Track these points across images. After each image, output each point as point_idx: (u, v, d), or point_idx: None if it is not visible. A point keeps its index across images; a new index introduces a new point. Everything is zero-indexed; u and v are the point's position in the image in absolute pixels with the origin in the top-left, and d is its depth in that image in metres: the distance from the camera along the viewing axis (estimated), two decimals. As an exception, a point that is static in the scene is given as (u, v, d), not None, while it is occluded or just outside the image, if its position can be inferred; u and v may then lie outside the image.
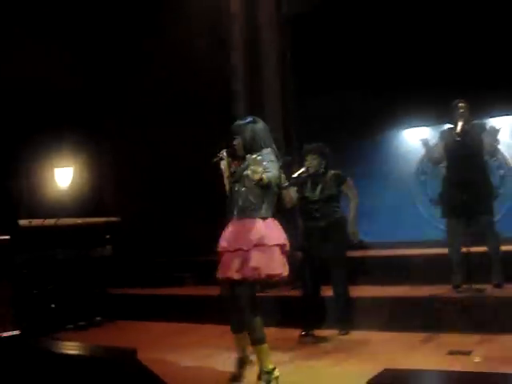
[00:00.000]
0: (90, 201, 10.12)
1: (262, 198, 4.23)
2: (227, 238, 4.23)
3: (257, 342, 4.15)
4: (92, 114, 10.32)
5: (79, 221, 7.63)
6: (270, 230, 4.19)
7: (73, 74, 9.78)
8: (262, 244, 4.11)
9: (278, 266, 4.18)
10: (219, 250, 4.27)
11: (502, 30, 7.47)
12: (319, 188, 5.79)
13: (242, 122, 4.43)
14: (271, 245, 4.15)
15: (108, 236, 7.79)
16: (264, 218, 4.21)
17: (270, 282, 4.53)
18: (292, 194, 5.66)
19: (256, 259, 4.08)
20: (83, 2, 9.71)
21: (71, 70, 9.75)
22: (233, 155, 4.43)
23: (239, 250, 4.13)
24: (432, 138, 6.63)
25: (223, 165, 4.41)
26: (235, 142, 4.38)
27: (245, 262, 4.10)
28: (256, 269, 4.08)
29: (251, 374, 4.28)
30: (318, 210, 5.77)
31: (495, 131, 6.01)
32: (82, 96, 10.05)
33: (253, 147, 4.30)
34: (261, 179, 4.01)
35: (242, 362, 4.40)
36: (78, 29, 9.80)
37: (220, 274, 4.27)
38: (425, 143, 6.18)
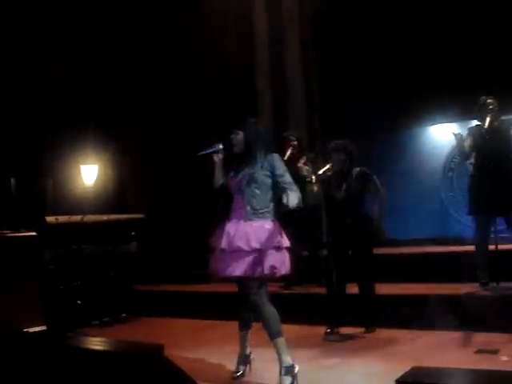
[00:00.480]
0: (114, 197, 10.20)
1: (271, 201, 4.35)
2: (241, 237, 4.24)
3: (275, 335, 4.20)
4: (116, 112, 10.38)
5: (105, 217, 7.67)
6: (280, 233, 4.33)
7: (98, 73, 9.85)
8: (278, 246, 4.25)
9: (288, 267, 4.34)
10: (233, 249, 4.24)
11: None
12: (344, 186, 5.73)
13: (247, 120, 4.54)
14: (284, 247, 4.30)
15: (133, 233, 7.83)
16: (273, 221, 4.34)
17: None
18: (315, 189, 5.65)
19: (275, 259, 4.22)
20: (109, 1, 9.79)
21: (96, 70, 9.82)
22: (229, 150, 4.51)
23: (256, 249, 4.19)
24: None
25: (217, 158, 4.52)
26: (238, 137, 4.43)
27: (261, 260, 4.19)
28: (274, 268, 4.21)
29: (273, 370, 4.26)
30: (343, 209, 5.72)
31: None
32: (107, 95, 10.11)
33: (254, 146, 4.40)
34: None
35: (245, 360, 4.51)
36: (103, 28, 9.87)
37: (230, 272, 4.27)
38: (458, 138, 6.05)
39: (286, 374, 4.11)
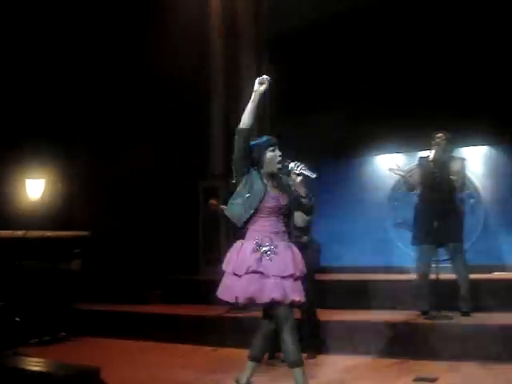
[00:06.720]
0: (60, 214, 10.00)
1: None
2: (292, 262, 4.09)
3: (298, 363, 4.09)
4: (65, 126, 10.23)
5: (48, 233, 7.52)
6: None
7: (46, 86, 9.70)
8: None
9: None
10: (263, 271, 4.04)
11: (478, 63, 7.65)
12: None
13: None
14: None
15: (77, 250, 7.70)
16: None
17: None
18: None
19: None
20: (60, 14, 9.69)
21: (45, 83, 9.67)
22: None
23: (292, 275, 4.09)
24: (405, 165, 6.73)
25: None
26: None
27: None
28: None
29: None
30: None
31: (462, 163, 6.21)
32: (56, 108, 9.97)
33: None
34: None
35: None
36: (54, 42, 9.76)
37: (283, 297, 4.01)
38: (394, 171, 6.28)
39: None
